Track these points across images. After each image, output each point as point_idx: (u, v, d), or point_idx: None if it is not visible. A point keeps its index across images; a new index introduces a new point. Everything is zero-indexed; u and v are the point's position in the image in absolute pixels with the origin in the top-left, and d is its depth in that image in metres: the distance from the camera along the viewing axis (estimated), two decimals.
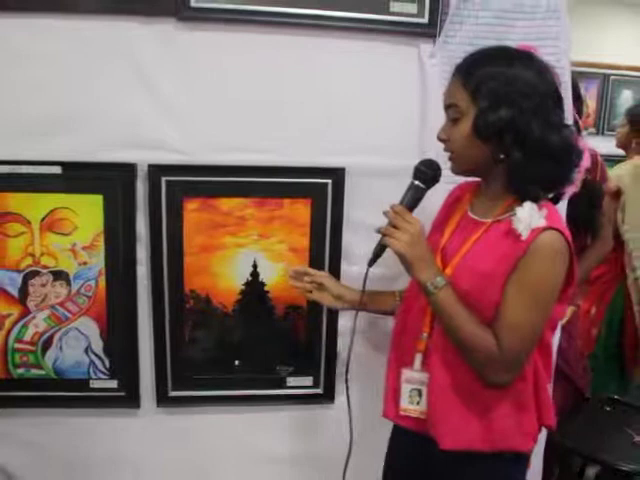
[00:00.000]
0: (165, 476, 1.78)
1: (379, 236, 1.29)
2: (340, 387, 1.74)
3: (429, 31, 1.60)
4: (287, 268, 1.61)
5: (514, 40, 1.53)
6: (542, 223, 1.18)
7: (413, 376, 1.34)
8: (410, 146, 1.62)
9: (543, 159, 1.19)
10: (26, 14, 1.48)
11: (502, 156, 1.21)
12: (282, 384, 1.73)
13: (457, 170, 1.31)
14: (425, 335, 1.33)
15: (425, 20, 1.60)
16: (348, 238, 1.66)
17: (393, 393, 1.39)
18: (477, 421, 1.27)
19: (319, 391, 1.75)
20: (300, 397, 1.75)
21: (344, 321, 1.69)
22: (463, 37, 1.60)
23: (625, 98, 4.62)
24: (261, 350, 1.69)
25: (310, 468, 1.81)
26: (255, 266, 1.64)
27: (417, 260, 1.23)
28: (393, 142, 1.63)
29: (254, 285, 1.65)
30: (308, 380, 1.73)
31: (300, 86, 1.59)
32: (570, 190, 1.30)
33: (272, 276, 1.65)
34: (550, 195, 1.28)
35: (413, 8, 1.58)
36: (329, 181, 1.61)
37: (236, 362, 1.70)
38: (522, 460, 1.36)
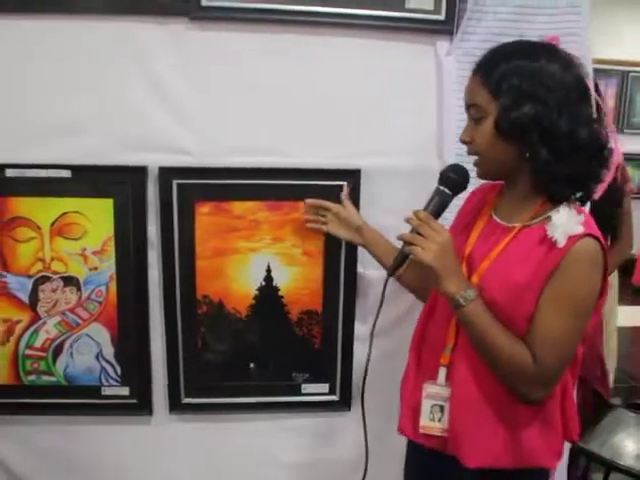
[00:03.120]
0: None
1: (396, 235, 1.24)
2: (357, 394, 1.71)
3: (446, 28, 1.56)
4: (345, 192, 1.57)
5: (533, 36, 1.48)
6: (580, 229, 1.11)
7: (436, 391, 1.27)
8: (427, 146, 1.59)
9: (572, 156, 1.12)
10: (36, 15, 1.46)
11: (528, 155, 1.14)
12: (297, 391, 1.69)
13: (483, 174, 1.24)
14: (450, 348, 1.27)
15: (442, 17, 1.56)
16: None
17: (411, 408, 1.33)
18: (503, 437, 1.21)
19: (335, 398, 1.71)
20: (316, 404, 1.71)
21: (360, 326, 1.65)
22: (481, 34, 1.55)
23: None
24: (275, 356, 1.66)
25: (325, 476, 1.78)
26: (269, 270, 1.61)
27: (446, 272, 1.16)
28: (409, 142, 1.59)
29: (268, 290, 1.62)
30: (324, 387, 1.70)
31: (313, 86, 1.55)
32: (600, 189, 1.24)
33: (286, 281, 1.62)
34: (578, 195, 1.20)
35: (430, 4, 1.55)
36: (344, 183, 1.57)
37: (251, 365, 1.67)
38: (545, 474, 1.31)
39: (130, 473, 1.73)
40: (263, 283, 1.61)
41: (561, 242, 1.11)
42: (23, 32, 1.47)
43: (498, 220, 1.26)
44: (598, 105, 1.95)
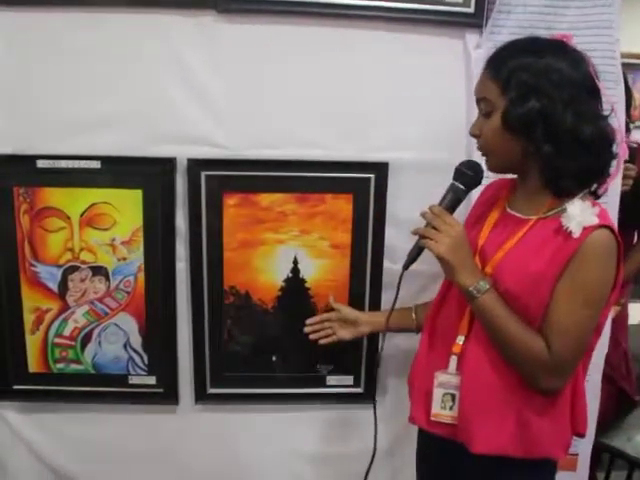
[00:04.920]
0: (203, 472, 1.77)
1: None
2: (381, 386, 1.71)
3: (475, 21, 1.55)
4: (331, 298, 1.61)
5: (564, 29, 1.47)
6: (595, 221, 1.12)
7: (448, 380, 1.29)
8: (455, 140, 1.57)
9: (576, 151, 1.13)
10: (67, 8, 1.47)
11: (532, 149, 1.16)
12: (322, 383, 1.70)
13: (491, 167, 1.25)
14: (462, 338, 1.28)
15: (471, 9, 1.54)
16: (391, 235, 1.61)
17: (422, 397, 1.34)
18: (512, 426, 1.22)
19: (359, 390, 1.71)
20: (340, 396, 1.72)
21: None
22: (511, 27, 1.53)
23: None
24: (301, 348, 1.66)
25: (349, 467, 1.78)
26: (296, 262, 1.61)
27: (459, 264, 1.18)
28: (438, 136, 1.58)
29: (294, 282, 1.62)
30: (348, 379, 1.70)
31: (342, 79, 1.55)
32: (609, 185, 1.25)
33: (313, 273, 1.62)
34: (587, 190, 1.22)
35: None
36: (372, 176, 1.56)
37: (273, 358, 1.68)
38: (552, 465, 1.32)
39: (155, 461, 1.75)
40: (290, 275, 1.62)
41: (576, 233, 1.12)
42: (54, 27, 1.48)
43: (513, 212, 1.27)
44: (628, 98, 1.94)
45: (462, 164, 1.29)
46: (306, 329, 1.59)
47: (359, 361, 1.69)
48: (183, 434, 1.74)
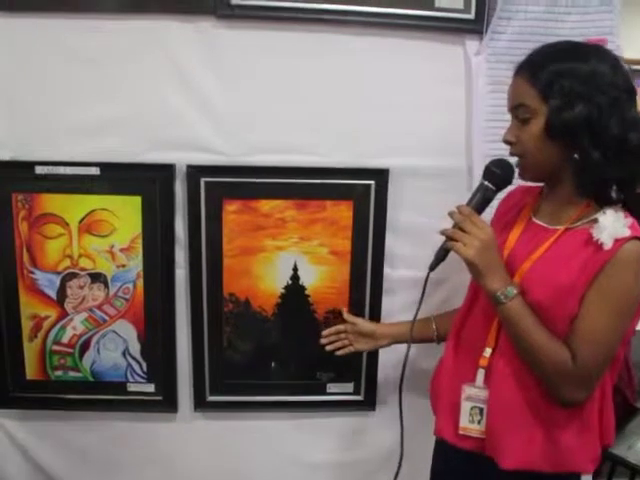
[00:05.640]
0: None
1: (428, 239, 1.23)
2: (381, 394, 1.70)
3: (476, 27, 1.54)
4: (345, 312, 1.61)
5: (565, 35, 1.47)
6: (626, 232, 1.10)
7: (476, 393, 1.26)
8: (456, 147, 1.57)
9: (622, 158, 1.10)
10: (66, 14, 1.47)
11: (576, 156, 1.13)
12: (322, 390, 1.69)
13: (527, 175, 1.22)
14: (489, 351, 1.25)
15: (471, 16, 1.53)
16: (391, 241, 1.61)
17: (448, 409, 1.32)
18: (541, 440, 1.20)
19: (360, 398, 1.70)
20: (340, 404, 1.70)
21: None
22: (511, 33, 1.53)
23: None
24: (301, 355, 1.65)
25: (349, 475, 1.78)
26: (296, 269, 1.60)
27: (488, 268, 1.15)
28: (438, 142, 1.58)
29: (294, 289, 1.61)
30: (349, 387, 1.69)
31: (343, 85, 1.54)
32: None
33: (313, 280, 1.61)
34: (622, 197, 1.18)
35: (459, 3, 1.53)
36: (372, 182, 1.56)
37: (276, 364, 1.67)
38: (576, 478, 1.30)
39: (154, 469, 1.74)
40: (289, 282, 1.61)
41: (608, 244, 1.10)
42: (54, 33, 1.48)
43: (539, 222, 1.24)
44: None
45: (492, 163, 1.24)
46: (322, 340, 1.60)
47: (359, 369, 1.68)
48: (182, 442, 1.73)
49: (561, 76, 1.11)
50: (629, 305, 1.13)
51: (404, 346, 1.56)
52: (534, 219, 1.26)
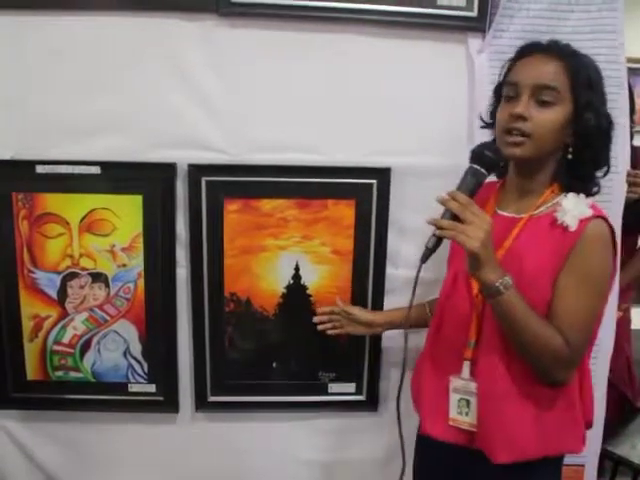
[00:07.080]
0: None
1: (426, 235, 1.17)
2: (383, 394, 1.70)
3: (478, 25, 1.54)
4: (338, 300, 1.60)
5: (567, 33, 1.47)
6: (589, 212, 1.15)
7: (463, 385, 1.27)
8: (458, 145, 1.56)
9: (605, 149, 1.21)
10: (67, 12, 1.46)
11: (571, 149, 1.19)
12: (324, 390, 1.68)
13: (525, 156, 1.18)
14: (472, 343, 1.26)
15: (474, 14, 1.53)
16: (394, 240, 1.60)
17: (432, 407, 1.32)
18: (530, 427, 1.21)
19: (362, 398, 1.70)
20: (342, 404, 1.70)
21: None
22: (514, 31, 1.53)
23: None
24: (302, 355, 1.65)
25: (350, 475, 1.77)
26: (297, 269, 1.60)
27: (488, 260, 1.11)
28: (440, 141, 1.57)
29: (296, 288, 1.61)
30: (350, 387, 1.69)
31: (344, 83, 1.53)
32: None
33: (315, 279, 1.60)
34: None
35: (461, 1, 1.52)
36: (374, 181, 1.55)
37: (278, 363, 1.66)
38: (561, 461, 1.32)
39: (155, 469, 1.74)
40: (291, 281, 1.60)
41: (573, 226, 1.15)
42: (54, 31, 1.47)
43: (504, 214, 1.27)
44: (631, 102, 1.93)
45: (480, 146, 1.21)
46: (315, 318, 1.59)
47: (361, 369, 1.67)
48: (183, 442, 1.72)
49: (585, 67, 1.18)
50: (603, 283, 1.19)
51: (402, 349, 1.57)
52: (499, 211, 1.29)
